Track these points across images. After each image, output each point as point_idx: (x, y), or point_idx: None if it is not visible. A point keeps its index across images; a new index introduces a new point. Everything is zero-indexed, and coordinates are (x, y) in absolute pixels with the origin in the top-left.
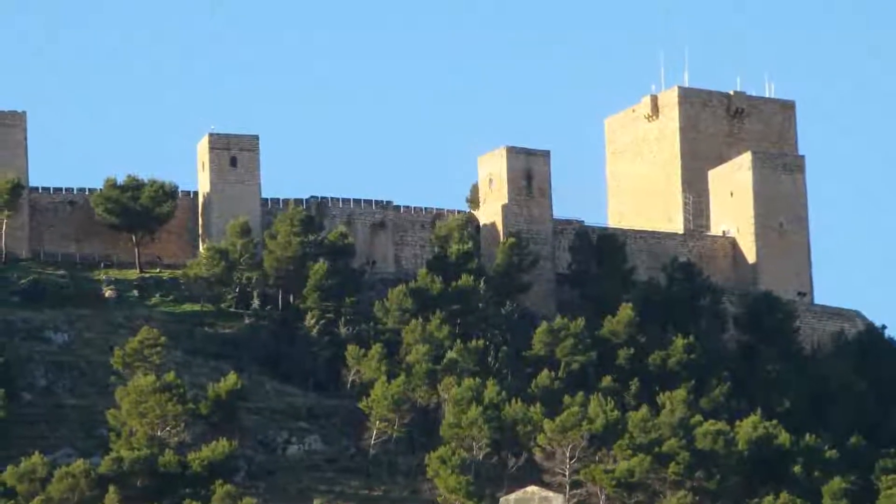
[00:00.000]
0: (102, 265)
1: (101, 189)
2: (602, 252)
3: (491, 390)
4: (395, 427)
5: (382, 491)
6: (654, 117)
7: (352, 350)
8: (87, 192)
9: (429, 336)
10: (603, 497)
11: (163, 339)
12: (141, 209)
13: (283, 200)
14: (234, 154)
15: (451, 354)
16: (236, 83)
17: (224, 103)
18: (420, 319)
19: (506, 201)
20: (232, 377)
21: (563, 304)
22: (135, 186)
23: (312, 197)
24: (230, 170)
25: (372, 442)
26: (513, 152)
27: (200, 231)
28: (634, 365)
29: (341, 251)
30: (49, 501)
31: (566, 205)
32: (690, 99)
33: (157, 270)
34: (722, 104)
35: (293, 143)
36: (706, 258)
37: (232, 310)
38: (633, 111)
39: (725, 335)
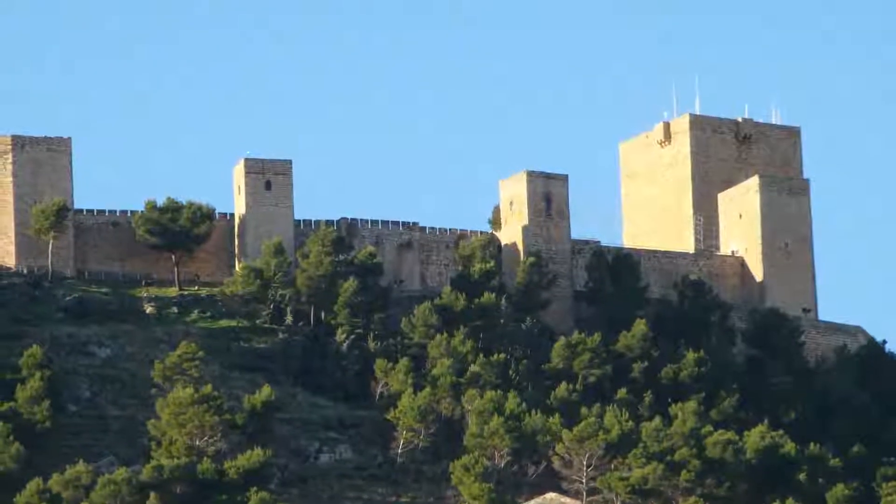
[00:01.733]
0: (144, 283)
1: (142, 211)
2: (617, 271)
3: (512, 402)
4: (421, 437)
5: (409, 497)
6: (666, 143)
7: (380, 363)
8: (129, 214)
9: (453, 350)
10: (618, 503)
11: (201, 353)
12: (180, 230)
13: (315, 222)
14: (269, 178)
15: (474, 368)
16: (270, 111)
17: (259, 130)
18: (445, 334)
19: (526, 222)
20: (266, 389)
21: (580, 320)
22: (174, 208)
23: (343, 218)
24: (265, 193)
25: (399, 451)
26: (532, 176)
27: (236, 251)
28: (648, 378)
29: (370, 270)
30: None
31: (583, 226)
32: (701, 125)
33: (196, 288)
34: (731, 130)
35: (324, 167)
36: (716, 276)
37: (266, 325)
38: (647, 137)
39: (734, 349)
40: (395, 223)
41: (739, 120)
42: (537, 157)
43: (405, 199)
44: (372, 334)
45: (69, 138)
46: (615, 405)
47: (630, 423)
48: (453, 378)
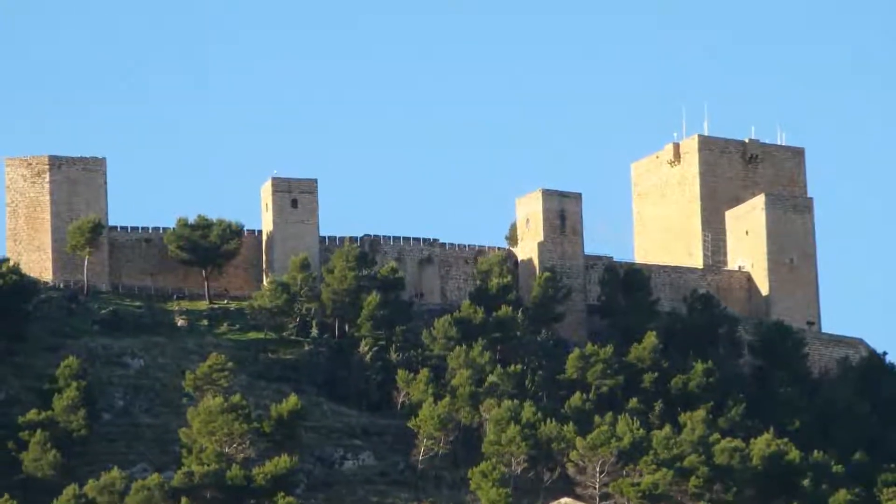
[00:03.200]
0: (175, 297)
1: (173, 228)
2: (629, 285)
3: (528, 411)
4: (441, 444)
5: (429, 502)
6: (676, 163)
7: (402, 374)
8: (161, 231)
9: (471, 361)
10: None
11: (230, 364)
12: (210, 246)
13: (340, 238)
14: (295, 196)
15: (491, 378)
16: (297, 132)
17: (286, 150)
18: (464, 346)
19: (541, 239)
20: (293, 399)
21: (593, 332)
22: (204, 225)
23: (366, 235)
24: (291, 210)
25: (420, 457)
26: (548, 194)
27: (264, 266)
28: (658, 388)
29: (392, 284)
30: None
31: (596, 242)
32: (709, 146)
33: (225, 302)
34: (738, 151)
35: (349, 186)
36: (723, 290)
37: (293, 338)
38: (658, 157)
39: (741, 361)
40: (417, 239)
41: (746, 141)
42: (552, 176)
43: (426, 216)
44: (394, 346)
45: (104, 158)
46: (627, 414)
47: (641, 431)
48: (472, 388)
